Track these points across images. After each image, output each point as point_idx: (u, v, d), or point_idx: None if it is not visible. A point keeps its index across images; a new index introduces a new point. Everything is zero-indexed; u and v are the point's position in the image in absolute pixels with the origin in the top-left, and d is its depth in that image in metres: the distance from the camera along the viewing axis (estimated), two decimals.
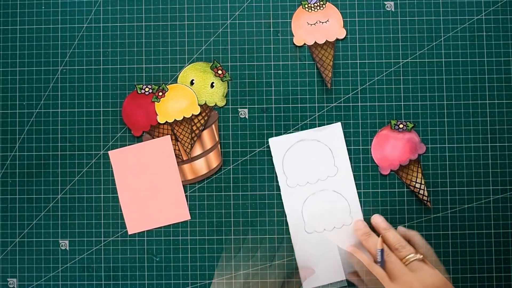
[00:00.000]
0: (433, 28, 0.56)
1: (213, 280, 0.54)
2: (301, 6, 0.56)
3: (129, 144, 0.55)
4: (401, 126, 0.55)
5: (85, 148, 0.55)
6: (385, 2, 0.56)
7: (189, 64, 0.56)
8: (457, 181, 0.55)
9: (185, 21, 0.56)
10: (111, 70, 0.56)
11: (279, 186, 0.55)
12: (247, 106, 0.56)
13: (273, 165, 0.55)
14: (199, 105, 0.55)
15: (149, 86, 0.55)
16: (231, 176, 0.55)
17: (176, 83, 0.56)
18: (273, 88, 0.56)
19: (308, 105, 0.55)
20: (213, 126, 0.55)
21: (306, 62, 0.56)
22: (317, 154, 0.54)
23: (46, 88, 0.56)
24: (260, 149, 0.55)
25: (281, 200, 0.54)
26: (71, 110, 0.56)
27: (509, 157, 0.55)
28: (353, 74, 0.56)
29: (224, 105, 0.56)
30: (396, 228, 0.52)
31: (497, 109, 0.55)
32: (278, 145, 0.55)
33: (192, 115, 0.55)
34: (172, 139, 0.55)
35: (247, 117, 0.55)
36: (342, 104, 0.55)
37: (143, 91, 0.55)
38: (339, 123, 0.55)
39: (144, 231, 0.55)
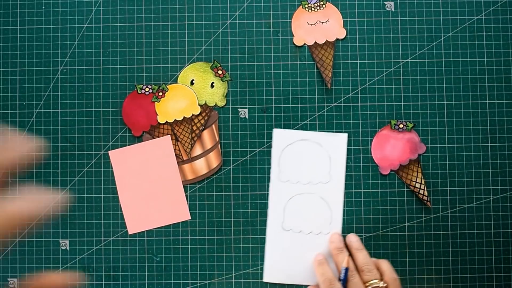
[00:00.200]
0: (433, 28, 0.56)
1: (214, 280, 0.54)
2: (301, 6, 0.56)
3: (129, 144, 0.55)
4: (401, 126, 0.55)
5: (85, 148, 0.55)
6: (385, 2, 0.56)
7: (189, 64, 0.56)
8: (457, 181, 0.55)
9: (185, 21, 0.56)
10: (111, 70, 0.56)
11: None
12: (247, 106, 0.56)
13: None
14: (199, 105, 0.55)
15: (149, 86, 0.55)
16: (231, 176, 0.55)
17: (176, 83, 0.56)
18: (273, 88, 0.56)
19: (308, 105, 0.55)
20: (213, 126, 0.55)
21: (306, 62, 0.56)
22: (315, 158, 0.55)
23: (46, 88, 0.56)
24: (260, 149, 0.55)
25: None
26: (71, 110, 0.56)
27: (509, 157, 0.55)
28: (353, 74, 0.56)
29: (224, 105, 0.56)
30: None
31: (497, 109, 0.55)
32: (281, 138, 0.55)
33: (192, 115, 0.55)
34: (172, 139, 0.55)
35: (247, 117, 0.55)
36: (342, 104, 0.55)
37: (143, 91, 0.55)
38: (345, 135, 0.55)
39: (144, 231, 0.55)
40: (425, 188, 0.54)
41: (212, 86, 0.56)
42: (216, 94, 0.56)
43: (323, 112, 0.55)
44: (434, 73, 0.55)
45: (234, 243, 0.55)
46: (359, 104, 0.55)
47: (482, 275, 0.54)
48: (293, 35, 0.56)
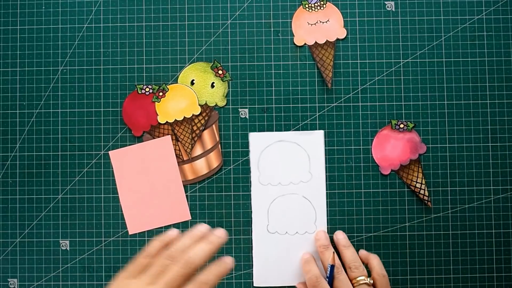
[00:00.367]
0: (433, 28, 0.56)
1: None
2: (301, 6, 0.56)
3: (129, 144, 0.55)
4: (401, 126, 0.55)
5: (85, 148, 0.55)
6: (386, 2, 0.56)
7: (189, 64, 0.56)
8: (458, 181, 0.55)
9: (186, 21, 0.56)
10: (112, 70, 0.56)
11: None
12: (248, 106, 0.56)
13: None
14: (199, 105, 0.55)
15: (150, 86, 0.55)
16: (232, 176, 0.55)
17: (177, 83, 0.56)
18: (273, 88, 0.56)
19: (308, 105, 0.55)
20: (214, 126, 0.55)
21: (307, 62, 0.56)
22: (294, 157, 0.55)
23: (46, 88, 0.56)
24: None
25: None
26: (71, 110, 0.56)
27: (509, 157, 0.55)
28: (353, 74, 0.56)
29: (225, 105, 0.56)
30: (358, 251, 0.52)
31: (497, 109, 0.55)
32: (258, 141, 0.55)
33: (193, 115, 0.55)
34: (172, 139, 0.55)
35: (247, 117, 0.55)
36: (343, 104, 0.55)
37: (143, 91, 0.55)
38: (322, 131, 0.55)
39: (144, 231, 0.55)
40: (426, 188, 0.54)
41: (212, 86, 0.56)
42: (216, 94, 0.56)
43: (323, 112, 0.55)
44: (434, 73, 0.55)
45: (234, 243, 0.55)
46: (360, 104, 0.55)
47: (483, 275, 0.54)
48: (294, 35, 0.56)
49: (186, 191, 0.55)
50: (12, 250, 0.55)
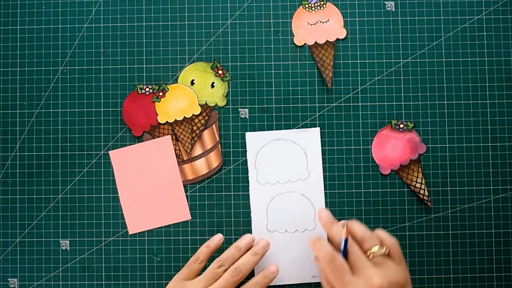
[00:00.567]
0: (433, 28, 0.56)
1: None
2: (301, 6, 0.56)
3: (129, 144, 0.55)
4: (401, 126, 0.55)
5: (85, 148, 0.55)
6: (386, 2, 0.56)
7: (189, 64, 0.56)
8: (458, 181, 0.55)
9: (186, 21, 0.56)
10: (112, 70, 0.56)
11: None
12: (248, 106, 0.56)
13: None
14: (199, 105, 0.55)
15: (150, 86, 0.55)
16: (232, 176, 0.55)
17: (177, 83, 0.56)
18: (273, 88, 0.56)
19: (308, 105, 0.55)
20: (214, 126, 0.55)
21: (307, 62, 0.56)
22: (291, 156, 0.55)
23: (46, 88, 0.56)
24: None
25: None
26: (71, 110, 0.56)
27: (509, 157, 0.55)
28: (353, 74, 0.56)
29: (225, 105, 0.56)
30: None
31: (497, 109, 0.55)
32: (254, 140, 0.55)
33: (193, 115, 0.55)
34: (172, 139, 0.55)
35: (247, 117, 0.55)
36: (343, 104, 0.55)
37: (143, 91, 0.55)
38: (317, 129, 0.55)
39: (144, 231, 0.55)
40: (426, 188, 0.54)
41: (212, 86, 0.56)
42: (216, 94, 0.56)
43: (323, 112, 0.55)
44: (434, 73, 0.55)
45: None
46: (360, 104, 0.55)
47: (483, 275, 0.54)
48: (294, 35, 0.56)
49: (186, 191, 0.55)
50: (12, 250, 0.55)
